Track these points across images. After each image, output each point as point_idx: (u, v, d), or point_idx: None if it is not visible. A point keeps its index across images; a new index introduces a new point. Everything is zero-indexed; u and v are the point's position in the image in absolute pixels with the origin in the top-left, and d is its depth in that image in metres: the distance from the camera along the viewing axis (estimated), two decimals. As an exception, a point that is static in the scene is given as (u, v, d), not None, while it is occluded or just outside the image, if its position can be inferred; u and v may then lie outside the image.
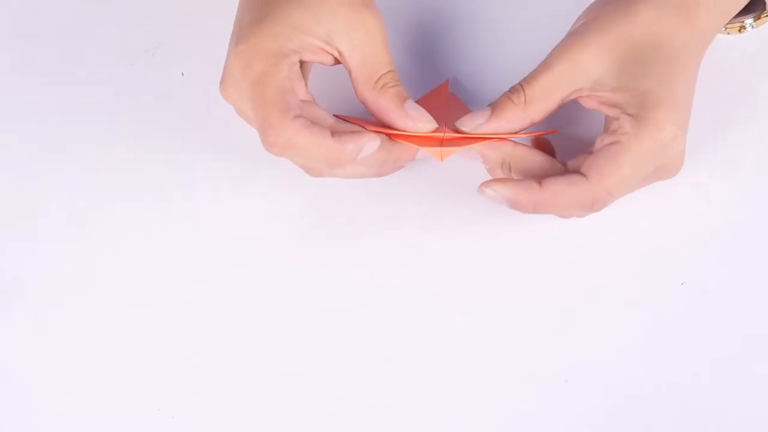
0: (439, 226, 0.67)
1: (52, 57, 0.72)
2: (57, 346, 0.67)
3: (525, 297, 0.66)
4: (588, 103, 0.62)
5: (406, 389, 0.65)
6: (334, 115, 0.64)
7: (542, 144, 0.65)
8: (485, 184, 0.61)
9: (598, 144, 0.62)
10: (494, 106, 0.62)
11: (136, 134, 0.70)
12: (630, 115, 0.60)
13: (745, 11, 0.66)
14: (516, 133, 0.62)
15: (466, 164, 0.65)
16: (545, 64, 0.61)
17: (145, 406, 0.65)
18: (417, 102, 0.67)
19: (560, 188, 0.60)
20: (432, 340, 0.66)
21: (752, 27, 0.67)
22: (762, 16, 0.67)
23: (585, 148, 0.64)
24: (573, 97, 0.62)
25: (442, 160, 0.62)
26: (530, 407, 0.64)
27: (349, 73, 0.63)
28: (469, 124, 0.62)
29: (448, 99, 0.67)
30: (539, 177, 0.62)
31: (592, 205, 0.60)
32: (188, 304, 0.67)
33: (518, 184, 0.60)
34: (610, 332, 0.65)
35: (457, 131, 0.63)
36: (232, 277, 0.67)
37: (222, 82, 0.63)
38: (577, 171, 0.61)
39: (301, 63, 0.62)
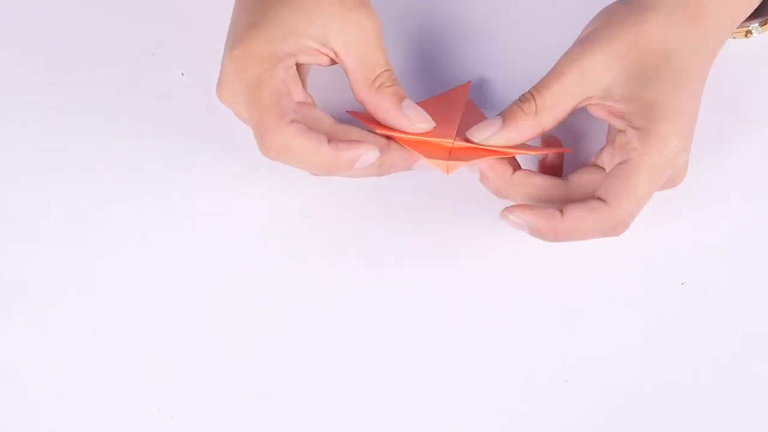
0: (440, 226, 0.67)
1: (52, 57, 0.72)
2: (57, 346, 0.67)
3: (525, 297, 0.66)
4: (596, 112, 0.62)
5: (406, 389, 0.65)
6: (347, 112, 0.64)
7: (549, 160, 0.65)
8: (508, 209, 0.61)
9: (606, 160, 0.62)
10: (505, 116, 0.62)
11: (136, 134, 0.70)
12: (636, 128, 0.59)
13: (752, 16, 0.66)
14: (526, 149, 0.62)
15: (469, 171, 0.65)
16: (555, 73, 0.61)
17: (145, 406, 0.65)
18: (430, 100, 0.67)
19: (581, 215, 0.59)
20: (432, 340, 0.66)
21: (758, 32, 0.67)
22: (768, 21, 0.67)
23: (583, 155, 0.65)
24: (583, 105, 0.62)
25: (448, 173, 0.62)
26: (530, 407, 0.64)
27: (346, 73, 0.62)
28: (480, 134, 0.62)
29: (464, 102, 0.67)
30: (540, 199, 0.62)
31: (614, 229, 0.60)
32: (188, 304, 0.67)
33: (540, 211, 0.60)
34: (610, 332, 0.65)
35: (467, 140, 0.62)
36: (232, 277, 0.67)
37: (218, 86, 0.63)
38: (586, 190, 0.61)
39: (298, 65, 0.62)
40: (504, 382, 0.65)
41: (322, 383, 0.65)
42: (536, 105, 0.61)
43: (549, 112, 0.61)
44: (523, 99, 0.61)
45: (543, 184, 0.62)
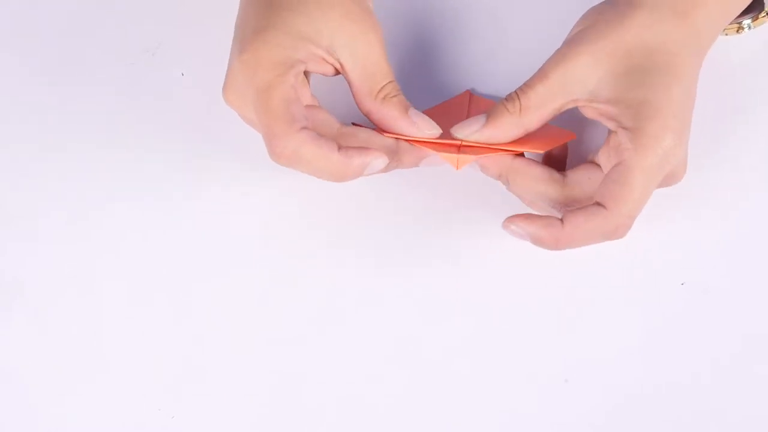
0: (440, 226, 0.67)
1: (52, 57, 0.72)
2: (57, 346, 0.66)
3: (525, 297, 0.66)
4: (588, 113, 0.62)
5: (406, 389, 0.65)
6: (353, 124, 0.64)
7: (554, 152, 0.65)
8: (509, 220, 0.61)
9: (603, 160, 0.62)
10: (489, 114, 0.62)
11: (136, 134, 0.70)
12: (626, 128, 0.59)
13: (743, 12, 0.66)
14: (534, 146, 0.62)
15: (468, 168, 0.65)
16: (541, 73, 0.61)
17: (145, 406, 0.65)
18: (435, 108, 0.67)
19: (581, 222, 0.59)
20: (432, 340, 0.66)
21: (750, 28, 0.67)
22: (760, 16, 0.67)
23: (585, 151, 0.64)
24: (569, 106, 0.62)
25: (458, 168, 0.62)
26: (530, 407, 0.64)
27: (350, 84, 0.63)
28: (464, 131, 0.62)
29: (467, 106, 0.67)
30: (538, 193, 0.62)
31: (615, 233, 0.60)
32: (188, 304, 0.67)
33: (540, 220, 0.60)
34: (610, 332, 0.65)
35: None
36: (232, 277, 0.67)
37: (225, 89, 0.62)
38: (583, 188, 0.61)
39: (304, 72, 0.62)
40: (504, 382, 0.65)
41: (322, 383, 0.65)
42: (520, 104, 0.61)
43: (533, 112, 0.61)
44: (508, 98, 0.62)
45: (541, 175, 0.62)
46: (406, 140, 0.63)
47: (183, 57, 0.72)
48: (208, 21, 0.72)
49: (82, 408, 0.66)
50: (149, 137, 0.70)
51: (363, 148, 0.61)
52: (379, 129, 0.63)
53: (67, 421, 0.66)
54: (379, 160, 0.62)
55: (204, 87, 0.69)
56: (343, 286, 0.67)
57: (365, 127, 0.63)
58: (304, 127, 0.60)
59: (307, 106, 0.62)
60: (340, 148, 0.60)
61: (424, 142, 0.63)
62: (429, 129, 0.62)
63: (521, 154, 0.63)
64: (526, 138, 0.62)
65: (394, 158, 0.63)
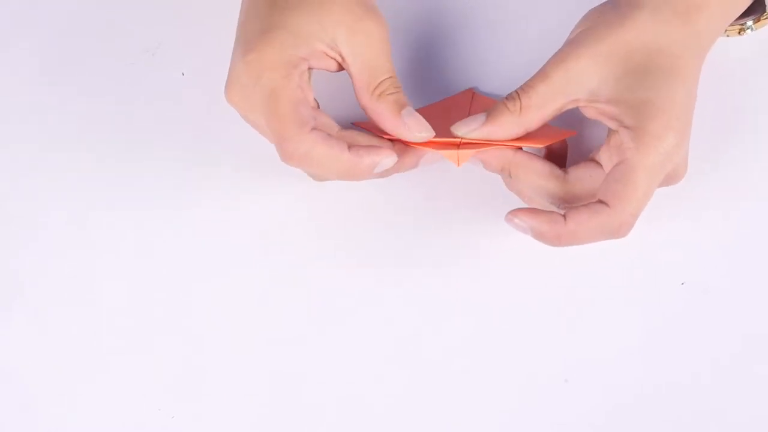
0: (440, 226, 0.67)
1: (52, 57, 0.72)
2: (57, 346, 0.67)
3: (525, 297, 0.66)
4: (588, 113, 0.62)
5: (406, 389, 0.65)
6: (353, 124, 0.64)
7: (554, 148, 0.65)
8: (513, 213, 0.61)
9: (604, 158, 0.62)
10: (489, 112, 0.62)
11: (135, 134, 0.70)
12: (628, 127, 0.59)
13: (745, 13, 0.66)
14: (534, 141, 0.62)
15: (469, 166, 0.65)
16: (542, 73, 0.61)
17: (145, 406, 0.65)
18: (436, 105, 0.67)
19: (583, 219, 0.59)
20: (432, 340, 0.66)
21: (752, 29, 0.67)
22: (762, 18, 0.67)
23: (586, 148, 0.64)
24: (570, 106, 0.62)
25: (458, 164, 0.62)
26: (530, 407, 0.64)
27: (351, 79, 0.63)
28: (463, 128, 0.62)
29: (469, 105, 0.67)
30: (540, 188, 0.62)
31: (618, 231, 0.60)
32: (188, 304, 0.67)
33: (544, 215, 0.60)
34: (610, 332, 0.65)
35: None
36: (233, 276, 0.67)
37: (228, 88, 0.62)
38: (584, 185, 0.62)
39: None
40: (504, 382, 0.65)
41: (322, 383, 0.65)
42: (521, 104, 0.61)
43: (533, 112, 0.61)
44: (509, 97, 0.62)
45: (543, 169, 0.62)
46: (405, 141, 0.63)
47: (183, 57, 0.72)
48: (208, 21, 0.72)
49: (82, 408, 0.66)
50: (149, 137, 0.70)
51: (373, 147, 0.62)
52: (378, 133, 0.63)
53: (67, 421, 0.66)
54: (389, 159, 0.62)
55: (204, 87, 0.69)
56: (343, 285, 0.67)
57: (365, 128, 0.64)
58: (314, 128, 0.60)
59: (312, 109, 0.62)
60: (350, 147, 0.61)
61: (424, 143, 0.62)
62: (419, 131, 0.62)
63: (521, 149, 0.63)
64: (526, 137, 0.62)
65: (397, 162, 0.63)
